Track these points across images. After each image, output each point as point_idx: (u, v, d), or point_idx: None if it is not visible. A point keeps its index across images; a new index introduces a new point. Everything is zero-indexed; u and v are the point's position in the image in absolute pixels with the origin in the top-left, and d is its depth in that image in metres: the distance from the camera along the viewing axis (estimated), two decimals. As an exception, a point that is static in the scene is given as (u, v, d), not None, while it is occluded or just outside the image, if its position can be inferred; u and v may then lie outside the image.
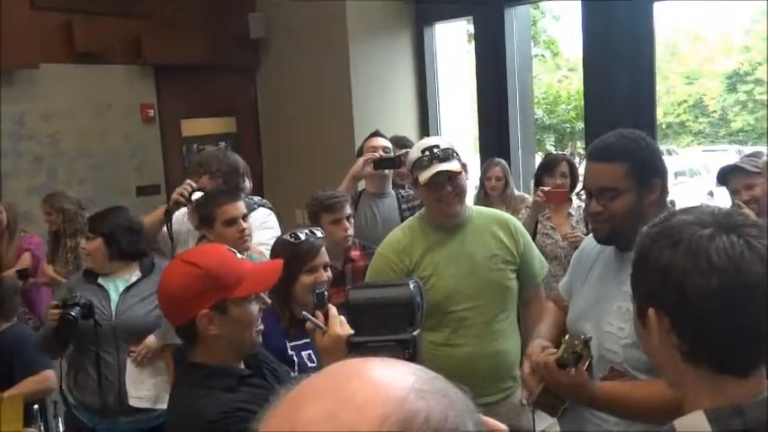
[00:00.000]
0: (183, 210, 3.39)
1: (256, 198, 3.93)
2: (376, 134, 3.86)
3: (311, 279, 2.41)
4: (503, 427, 0.75)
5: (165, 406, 2.84)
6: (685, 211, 1.18)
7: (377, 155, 3.58)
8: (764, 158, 3.35)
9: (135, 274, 3.02)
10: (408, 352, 1.50)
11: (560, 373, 1.83)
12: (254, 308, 1.74)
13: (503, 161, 4.69)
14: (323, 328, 1.67)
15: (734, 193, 3.31)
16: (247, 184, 3.93)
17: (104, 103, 5.64)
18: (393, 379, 0.63)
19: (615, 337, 1.89)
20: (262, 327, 1.77)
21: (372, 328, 1.56)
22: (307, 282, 2.39)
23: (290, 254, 2.37)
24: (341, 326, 1.65)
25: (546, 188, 4.05)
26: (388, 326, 1.54)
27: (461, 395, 0.65)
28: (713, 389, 1.11)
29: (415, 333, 1.56)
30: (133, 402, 2.90)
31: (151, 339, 2.93)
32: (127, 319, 2.92)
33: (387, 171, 3.62)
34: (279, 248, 2.48)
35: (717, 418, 1.07)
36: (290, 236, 2.47)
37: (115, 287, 2.98)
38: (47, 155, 5.38)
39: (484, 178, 4.63)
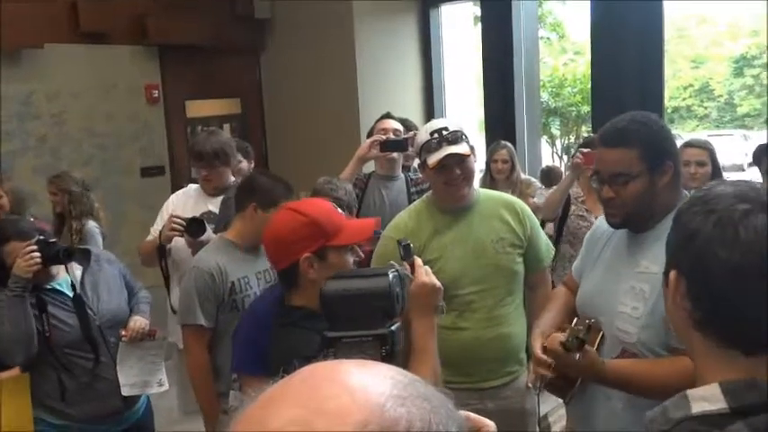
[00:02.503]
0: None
1: None
2: (387, 116, 3.79)
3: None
4: (489, 422, 0.74)
5: (153, 390, 2.80)
6: (733, 183, 1.15)
7: (384, 137, 3.54)
8: None
9: (77, 268, 2.77)
10: (386, 348, 1.43)
11: (568, 356, 1.84)
12: (350, 259, 1.88)
13: (509, 144, 4.66)
14: (410, 277, 1.72)
15: (766, 173, 3.35)
16: (244, 164, 3.91)
17: (109, 84, 5.63)
18: (370, 385, 0.60)
19: (628, 317, 1.89)
20: None
21: (348, 322, 1.46)
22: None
23: None
24: (426, 275, 1.73)
25: (586, 150, 3.83)
26: (365, 320, 1.45)
27: (443, 398, 0.62)
28: (722, 361, 1.09)
29: (393, 327, 1.47)
30: (125, 391, 2.73)
31: (141, 321, 2.81)
32: (108, 311, 2.76)
33: (395, 154, 3.58)
34: None
35: (732, 390, 1.04)
36: None
37: (68, 286, 2.73)
38: (51, 135, 5.37)
39: (490, 161, 4.61)
